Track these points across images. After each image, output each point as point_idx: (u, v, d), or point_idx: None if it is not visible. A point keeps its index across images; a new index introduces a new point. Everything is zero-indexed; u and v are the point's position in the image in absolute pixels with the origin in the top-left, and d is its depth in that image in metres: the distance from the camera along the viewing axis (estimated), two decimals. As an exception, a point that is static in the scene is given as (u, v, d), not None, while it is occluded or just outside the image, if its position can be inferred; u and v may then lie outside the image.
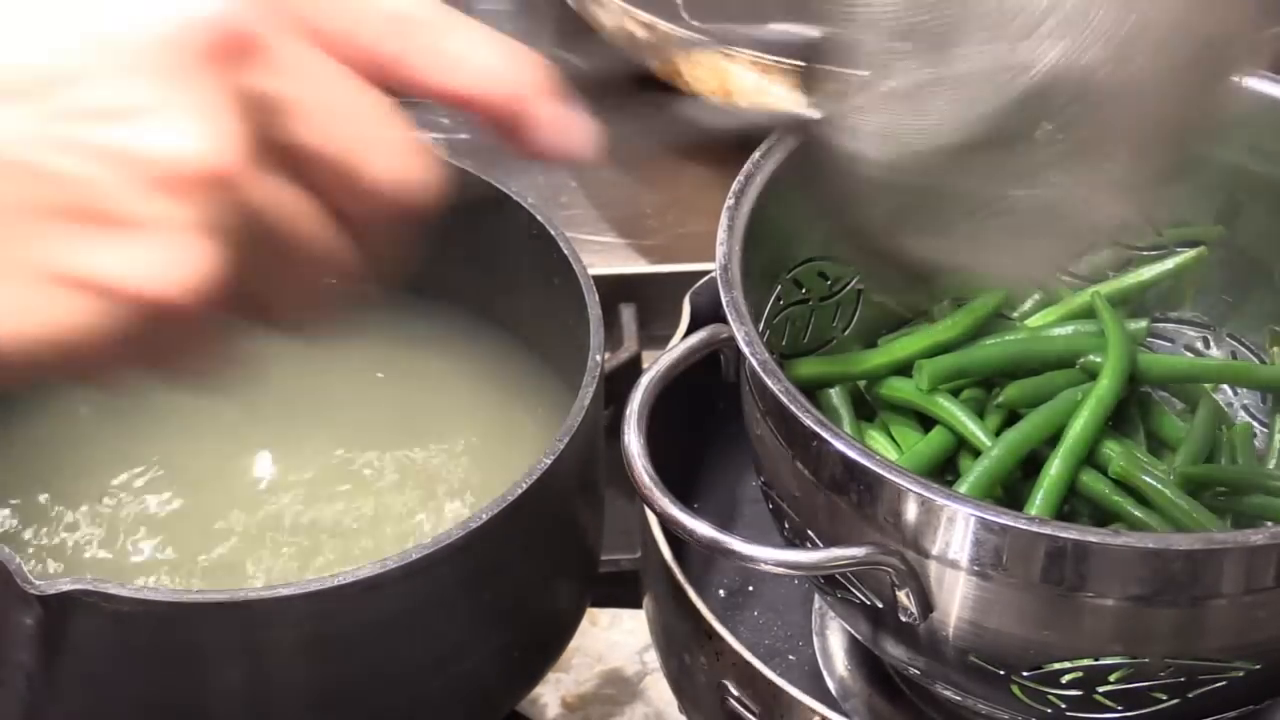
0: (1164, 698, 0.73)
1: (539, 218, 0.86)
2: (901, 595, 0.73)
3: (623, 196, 1.16)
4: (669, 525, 0.75)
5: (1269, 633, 0.72)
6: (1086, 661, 0.72)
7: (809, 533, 0.77)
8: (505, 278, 0.92)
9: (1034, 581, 0.71)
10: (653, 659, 0.93)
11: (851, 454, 0.72)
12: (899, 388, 0.85)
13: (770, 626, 0.91)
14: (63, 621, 0.72)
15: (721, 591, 0.92)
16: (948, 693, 0.79)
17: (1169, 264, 0.89)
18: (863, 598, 0.76)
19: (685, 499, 0.75)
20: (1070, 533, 0.70)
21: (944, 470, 0.83)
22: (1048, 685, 0.74)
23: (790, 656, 0.90)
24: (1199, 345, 0.90)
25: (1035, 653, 0.73)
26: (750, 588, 0.92)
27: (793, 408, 0.73)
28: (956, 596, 0.73)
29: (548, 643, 0.86)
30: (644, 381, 0.77)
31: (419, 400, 0.92)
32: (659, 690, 0.92)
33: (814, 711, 0.79)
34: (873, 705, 0.87)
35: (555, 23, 1.28)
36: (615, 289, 0.99)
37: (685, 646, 0.84)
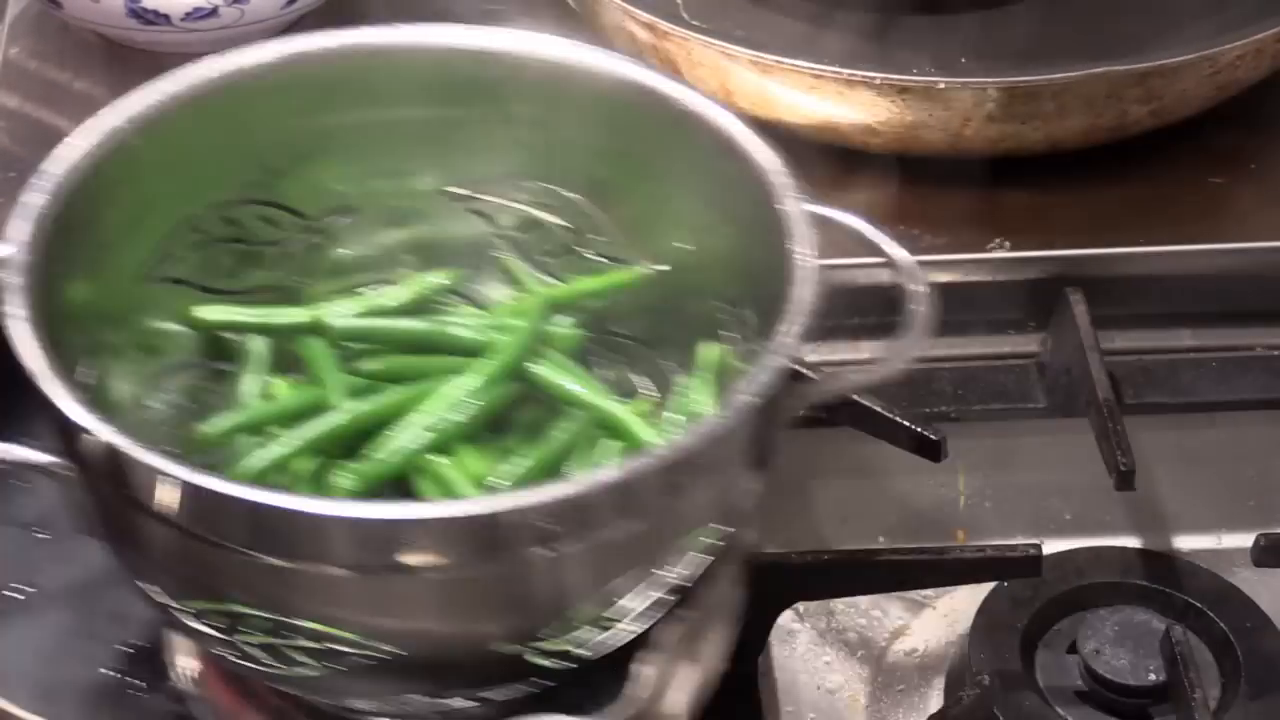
0: (310, 661, 0.75)
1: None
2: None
3: None
4: None
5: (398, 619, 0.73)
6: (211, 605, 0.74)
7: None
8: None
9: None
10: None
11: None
12: (308, 345, 0.88)
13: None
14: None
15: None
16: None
17: (606, 278, 0.89)
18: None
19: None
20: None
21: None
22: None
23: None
24: (623, 362, 0.90)
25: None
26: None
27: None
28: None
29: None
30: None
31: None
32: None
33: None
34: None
35: (555, 22, 1.29)
36: None
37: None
